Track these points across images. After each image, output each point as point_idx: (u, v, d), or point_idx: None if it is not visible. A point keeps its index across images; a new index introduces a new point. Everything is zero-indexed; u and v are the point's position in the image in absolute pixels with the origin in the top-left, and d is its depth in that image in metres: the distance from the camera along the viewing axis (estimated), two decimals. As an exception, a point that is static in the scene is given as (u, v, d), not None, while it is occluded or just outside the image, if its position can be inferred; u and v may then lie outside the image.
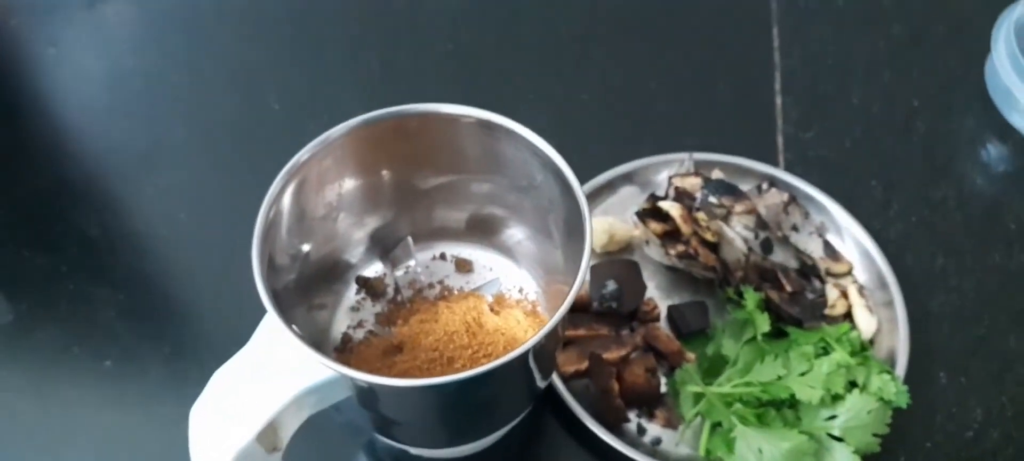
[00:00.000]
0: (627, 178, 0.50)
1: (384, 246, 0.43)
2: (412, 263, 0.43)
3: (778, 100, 0.55)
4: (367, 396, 0.32)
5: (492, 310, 0.40)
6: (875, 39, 0.58)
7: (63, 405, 0.43)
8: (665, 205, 0.46)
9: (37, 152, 0.51)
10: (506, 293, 0.42)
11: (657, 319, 0.45)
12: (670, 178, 0.48)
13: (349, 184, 0.38)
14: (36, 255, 0.47)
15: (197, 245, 0.48)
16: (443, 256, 0.43)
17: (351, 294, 0.42)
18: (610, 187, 0.49)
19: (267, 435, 0.31)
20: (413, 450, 0.40)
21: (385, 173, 0.38)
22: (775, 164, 0.51)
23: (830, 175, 0.51)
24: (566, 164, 0.34)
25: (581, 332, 0.43)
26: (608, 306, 0.44)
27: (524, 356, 0.31)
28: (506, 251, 0.42)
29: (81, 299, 0.46)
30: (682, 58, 0.57)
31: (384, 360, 0.38)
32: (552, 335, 0.32)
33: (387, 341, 0.39)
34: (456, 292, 0.42)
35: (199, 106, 0.54)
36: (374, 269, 0.43)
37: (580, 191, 0.33)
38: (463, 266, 0.43)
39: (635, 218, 0.47)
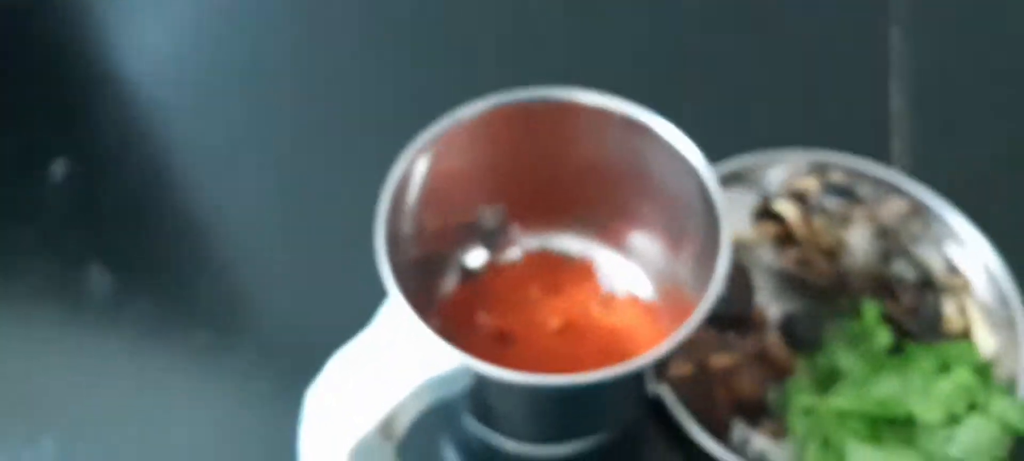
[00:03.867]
0: (735, 176, 0.47)
1: (488, 233, 0.41)
2: (517, 253, 0.42)
3: (896, 102, 0.52)
4: (486, 388, 0.31)
5: (604, 306, 0.39)
6: (1002, 43, 0.54)
7: (159, 375, 0.43)
8: (780, 207, 0.44)
9: (138, 128, 0.51)
10: (617, 292, 0.40)
11: (767, 326, 0.43)
12: (786, 178, 0.46)
13: (466, 167, 0.36)
14: (139, 232, 0.47)
15: (292, 228, 0.47)
16: (547, 247, 0.42)
17: (452, 282, 0.41)
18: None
19: (386, 425, 0.30)
20: (510, 444, 0.39)
21: (502, 158, 0.37)
22: (893, 169, 0.49)
23: (951, 185, 0.48)
24: (710, 173, 0.32)
25: None
26: (714, 310, 0.42)
27: (655, 360, 0.30)
28: (620, 248, 0.41)
29: (179, 275, 0.45)
30: (793, 53, 0.55)
31: (491, 351, 0.37)
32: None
33: (492, 331, 0.38)
34: (559, 285, 0.41)
35: (297, 93, 0.53)
36: (477, 256, 0.42)
37: (721, 202, 0.32)
38: (570, 260, 0.42)
39: (747, 218, 0.45)
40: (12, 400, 0.42)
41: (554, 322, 0.37)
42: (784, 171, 0.47)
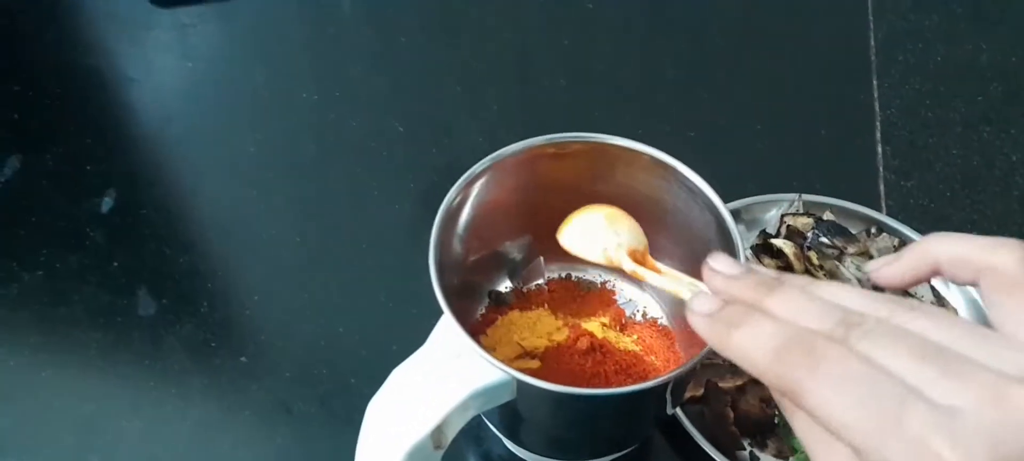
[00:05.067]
0: (735, 216, 0.50)
1: (515, 264, 0.45)
2: (542, 282, 0.45)
3: (879, 149, 0.56)
4: (524, 402, 0.34)
5: (624, 330, 0.42)
6: (973, 95, 0.59)
7: (201, 397, 0.45)
8: (778, 242, 0.48)
9: (178, 157, 0.55)
10: (634, 316, 0.44)
11: None
12: (782, 216, 0.50)
13: (503, 201, 0.40)
14: (177, 253, 0.50)
15: (324, 252, 0.50)
16: (569, 277, 0.45)
17: (482, 307, 0.44)
18: None
19: (437, 433, 0.32)
20: (533, 459, 0.42)
21: (534, 194, 0.41)
22: (878, 210, 0.53)
23: (932, 224, 0.52)
24: (726, 210, 0.36)
25: None
26: None
27: (679, 375, 0.33)
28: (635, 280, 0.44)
29: (219, 297, 0.48)
30: (785, 104, 0.59)
31: (514, 366, 0.40)
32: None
33: (521, 352, 0.41)
34: (582, 311, 0.44)
35: (328, 123, 0.57)
36: (504, 285, 0.45)
37: (738, 237, 0.35)
38: (589, 287, 0.45)
39: (748, 253, 0.49)
40: (60, 420, 0.44)
41: (580, 344, 0.40)
42: (779, 211, 0.51)
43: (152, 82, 0.59)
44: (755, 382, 0.45)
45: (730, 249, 0.36)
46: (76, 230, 0.50)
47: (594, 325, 0.42)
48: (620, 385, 0.39)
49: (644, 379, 0.40)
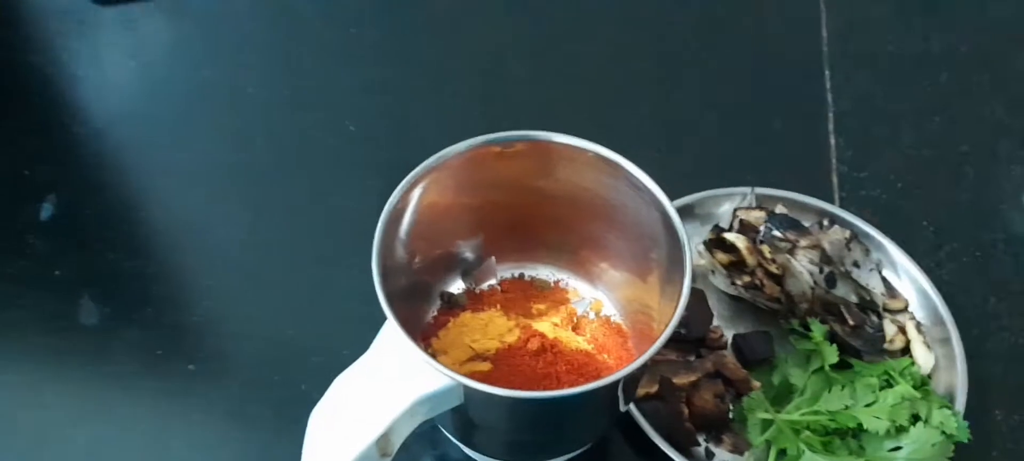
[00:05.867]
0: (689, 210, 0.51)
1: (467, 264, 0.44)
2: (494, 282, 0.44)
3: (832, 140, 0.57)
4: (473, 406, 0.34)
5: (577, 329, 0.42)
6: (924, 85, 0.60)
7: (149, 406, 0.44)
8: (730, 237, 0.48)
9: (123, 159, 0.53)
10: (586, 314, 0.43)
11: (723, 346, 0.47)
12: (735, 211, 0.50)
13: (450, 202, 0.39)
14: (122, 258, 0.48)
15: (275, 255, 0.49)
16: (522, 276, 0.45)
17: (433, 310, 0.44)
18: None
19: (383, 440, 0.32)
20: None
21: (481, 194, 0.40)
22: (831, 201, 0.53)
23: (884, 215, 0.53)
24: (672, 207, 0.36)
25: None
26: (677, 332, 0.45)
27: (628, 373, 0.33)
28: (590, 275, 0.44)
29: (166, 303, 0.47)
30: (738, 97, 0.59)
31: (472, 373, 0.40)
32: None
33: (472, 354, 0.41)
34: (534, 311, 0.44)
35: (280, 121, 0.56)
36: (456, 286, 0.44)
37: (683, 233, 0.35)
38: (542, 286, 0.44)
39: (701, 248, 0.49)
40: (6, 431, 0.43)
41: (531, 345, 0.40)
42: (733, 205, 0.51)
43: (96, 81, 0.57)
44: (710, 377, 0.45)
45: (676, 245, 0.35)
46: (16, 237, 0.49)
47: (545, 325, 0.41)
48: (572, 385, 0.39)
49: (596, 378, 0.39)
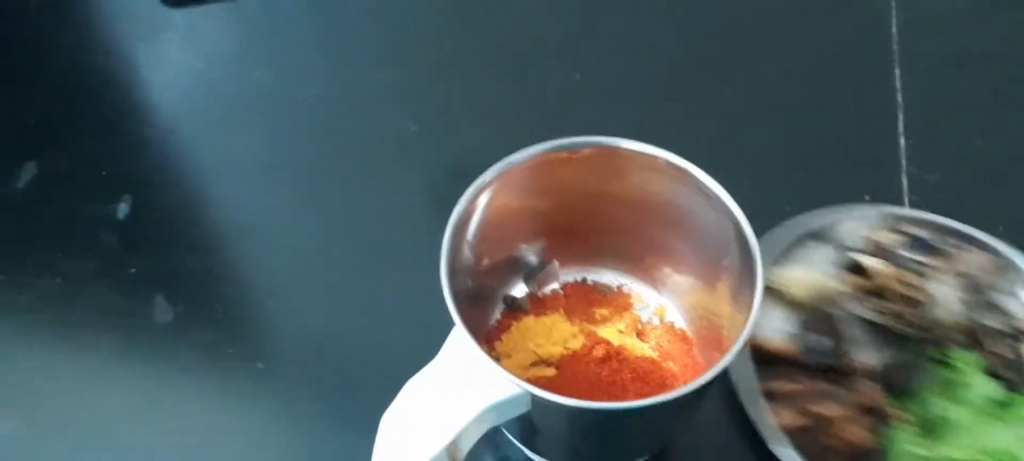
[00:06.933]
0: (817, 235, 0.48)
1: (530, 268, 0.44)
2: (556, 286, 0.44)
3: (901, 141, 0.55)
4: (539, 413, 0.34)
5: (641, 336, 0.41)
6: (995, 81, 0.58)
7: (218, 404, 0.45)
8: (867, 261, 0.46)
9: (192, 160, 0.54)
10: (651, 321, 0.43)
11: (868, 375, 0.44)
12: (867, 233, 0.47)
13: (515, 206, 0.39)
14: (191, 257, 0.50)
15: (339, 254, 0.50)
16: (585, 280, 0.45)
17: (497, 313, 0.44)
18: (797, 240, 0.48)
19: (453, 447, 0.32)
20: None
21: (546, 198, 0.40)
22: (900, 204, 0.51)
23: (958, 217, 0.51)
24: (743, 215, 0.36)
25: (794, 386, 0.42)
26: (819, 361, 0.43)
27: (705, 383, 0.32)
28: (655, 282, 0.43)
29: (235, 302, 0.48)
30: (805, 99, 0.58)
31: (536, 379, 0.40)
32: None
33: (536, 359, 0.41)
34: (597, 316, 0.43)
35: (336, 122, 0.56)
36: (518, 290, 0.44)
37: (755, 241, 0.35)
38: (605, 291, 0.44)
39: (836, 271, 0.46)
40: (76, 424, 0.44)
41: (597, 352, 0.40)
42: (859, 226, 0.48)
43: (162, 83, 0.59)
44: (859, 408, 0.42)
45: (747, 254, 0.35)
46: (93, 235, 0.50)
47: (610, 332, 0.41)
48: (637, 393, 0.39)
49: (662, 386, 0.39)
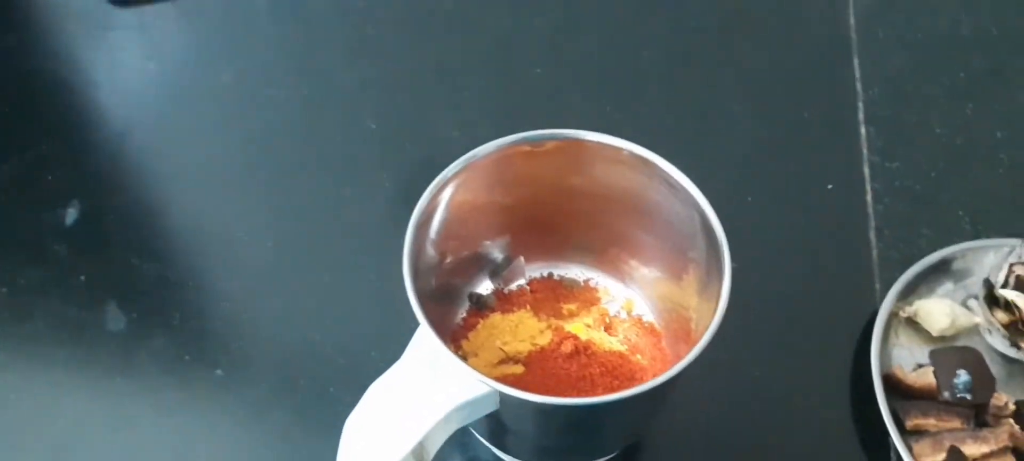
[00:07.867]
0: (944, 266, 0.47)
1: (495, 264, 0.43)
2: (523, 282, 0.44)
3: (862, 130, 0.55)
4: (508, 412, 0.33)
5: (609, 330, 0.41)
6: (956, 70, 0.59)
7: (177, 413, 0.43)
8: (1009, 294, 0.44)
9: (144, 163, 0.53)
10: (619, 314, 0.43)
11: (1007, 414, 0.43)
12: (1011, 266, 0.46)
13: (479, 201, 0.39)
14: (145, 263, 0.48)
15: (299, 256, 0.49)
16: (551, 275, 0.44)
17: (462, 311, 0.43)
18: (933, 272, 0.47)
19: (419, 449, 0.31)
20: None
21: (510, 193, 0.39)
22: (863, 193, 0.52)
23: (917, 205, 0.51)
24: (710, 206, 0.35)
25: (933, 422, 0.41)
26: (961, 397, 0.42)
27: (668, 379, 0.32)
28: (622, 275, 0.43)
29: (191, 307, 0.47)
30: (766, 89, 0.58)
31: (504, 376, 0.39)
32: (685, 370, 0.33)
33: (503, 357, 0.40)
34: (565, 311, 0.43)
35: (298, 122, 0.55)
36: (484, 287, 0.44)
37: (721, 232, 0.34)
38: (572, 286, 0.44)
39: (973, 304, 0.46)
40: (31, 441, 0.42)
41: (565, 347, 0.39)
42: (997, 259, 0.47)
43: (114, 85, 0.57)
44: (1004, 451, 0.41)
45: (714, 245, 0.34)
46: (40, 243, 0.49)
47: (578, 327, 0.41)
48: (607, 387, 0.38)
49: (631, 380, 0.39)
